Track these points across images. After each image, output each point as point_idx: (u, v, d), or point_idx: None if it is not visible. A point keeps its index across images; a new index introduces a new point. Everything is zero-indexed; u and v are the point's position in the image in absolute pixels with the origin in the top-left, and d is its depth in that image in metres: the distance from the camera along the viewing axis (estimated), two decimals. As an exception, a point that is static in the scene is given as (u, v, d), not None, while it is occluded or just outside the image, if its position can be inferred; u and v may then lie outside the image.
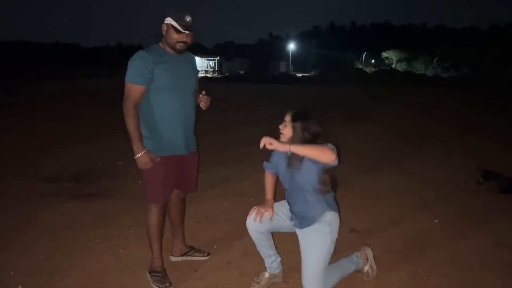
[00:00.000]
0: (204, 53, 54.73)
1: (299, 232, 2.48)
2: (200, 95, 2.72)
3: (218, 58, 55.35)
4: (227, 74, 41.97)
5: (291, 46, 62.59)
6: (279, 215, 2.58)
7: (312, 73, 49.51)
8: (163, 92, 2.48)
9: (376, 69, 49.96)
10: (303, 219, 2.45)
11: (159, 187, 2.62)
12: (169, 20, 2.42)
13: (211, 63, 54.55)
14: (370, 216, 3.84)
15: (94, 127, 8.16)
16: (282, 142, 2.30)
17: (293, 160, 2.38)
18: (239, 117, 9.59)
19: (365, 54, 66.35)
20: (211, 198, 4.24)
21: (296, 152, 2.27)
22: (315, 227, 2.41)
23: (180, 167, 2.69)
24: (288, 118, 2.42)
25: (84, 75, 27.98)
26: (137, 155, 2.46)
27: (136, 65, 2.41)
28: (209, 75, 43.33)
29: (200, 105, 2.73)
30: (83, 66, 41.74)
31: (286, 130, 2.40)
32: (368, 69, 50.80)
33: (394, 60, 61.72)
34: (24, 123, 8.30)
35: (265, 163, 2.70)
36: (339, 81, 29.14)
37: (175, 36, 2.44)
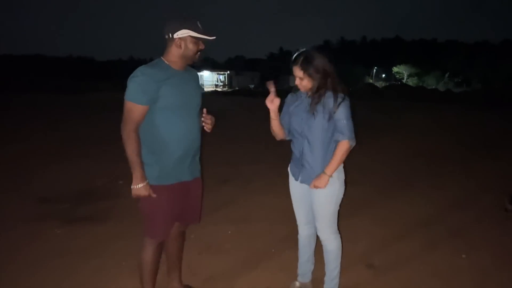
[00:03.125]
0: (214, 67, 54.95)
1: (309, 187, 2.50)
2: (203, 115, 2.44)
3: (228, 72, 55.48)
4: (237, 88, 41.95)
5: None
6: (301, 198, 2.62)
7: (323, 87, 49.10)
8: (170, 112, 2.21)
9: (387, 84, 49.58)
10: (312, 171, 2.45)
11: (159, 220, 2.33)
12: (185, 32, 2.17)
13: (221, 77, 54.66)
14: (389, 248, 3.48)
15: (97, 142, 7.89)
16: (323, 178, 2.40)
17: (314, 104, 2.37)
18: (248, 132, 9.31)
19: (376, 69, 66.04)
20: (215, 223, 3.92)
21: (333, 170, 2.39)
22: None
23: (183, 196, 2.39)
24: (298, 71, 2.33)
25: (95, 89, 28.06)
26: (137, 186, 2.17)
27: (139, 82, 2.12)
28: (219, 89, 43.35)
29: (205, 127, 2.45)
30: (96, 80, 42.02)
31: (305, 83, 2.35)
32: (379, 84, 50.40)
33: (405, 75, 61.27)
34: (25, 137, 8.11)
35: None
36: (350, 95, 28.77)
37: (195, 47, 2.22)
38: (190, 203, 2.46)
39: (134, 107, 2.14)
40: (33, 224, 3.87)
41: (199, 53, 2.26)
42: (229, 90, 41.94)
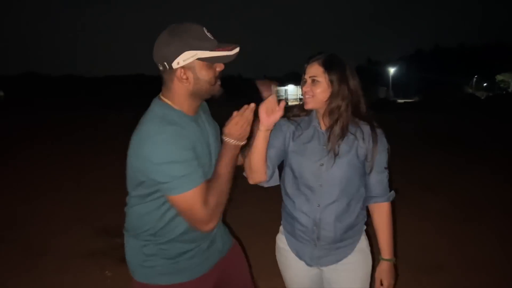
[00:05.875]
0: (298, 80, 54.66)
1: (327, 271, 1.68)
2: None
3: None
4: (322, 101, 41.05)
5: (392, 71, 59.65)
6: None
7: (416, 98, 46.46)
8: None
9: (490, 94, 45.09)
10: (335, 246, 1.63)
11: None
12: (191, 55, 1.32)
13: (306, 90, 54.13)
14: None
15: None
16: (390, 269, 1.65)
17: (337, 140, 1.57)
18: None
19: (476, 78, 60.68)
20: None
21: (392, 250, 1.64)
22: (355, 257, 1.66)
23: (224, 279, 1.62)
24: (317, 69, 1.55)
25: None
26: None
27: (183, 148, 1.31)
28: (302, 103, 42.86)
29: None
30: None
31: (318, 89, 1.56)
32: (480, 94, 46.07)
33: (511, 84, 55.39)
34: (105, 158, 8.15)
35: None
36: (447, 107, 26.44)
37: (210, 72, 1.38)
38: (236, 282, 1.68)
39: (198, 192, 1.31)
40: (85, 262, 3.53)
41: (220, 79, 1.42)
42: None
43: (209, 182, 1.35)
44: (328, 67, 1.54)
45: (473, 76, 60.41)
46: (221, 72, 1.42)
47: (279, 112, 1.50)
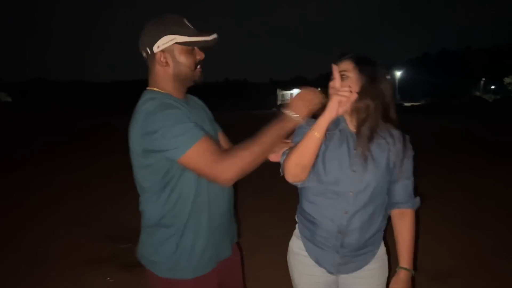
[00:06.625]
0: (305, 84, 54.75)
1: (345, 277, 1.63)
2: None
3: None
4: (329, 105, 41.10)
5: (398, 74, 59.49)
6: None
7: (423, 101, 46.28)
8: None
9: (498, 97, 44.77)
10: (357, 253, 1.58)
11: None
12: (170, 39, 1.39)
13: (313, 94, 54.18)
14: None
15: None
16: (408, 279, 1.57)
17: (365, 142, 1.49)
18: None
19: (484, 81, 60.29)
20: None
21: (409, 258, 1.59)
22: (374, 264, 1.62)
23: (224, 278, 1.62)
24: (348, 64, 1.48)
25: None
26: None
27: (177, 113, 1.34)
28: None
29: None
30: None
31: (346, 85, 1.39)
32: (488, 97, 45.75)
33: (520, 86, 54.97)
34: (114, 160, 8.16)
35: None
36: (455, 111, 26.29)
37: (190, 58, 1.43)
38: (233, 282, 1.70)
39: (202, 144, 1.32)
40: (87, 269, 3.48)
41: (199, 66, 1.47)
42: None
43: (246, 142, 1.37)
44: (359, 63, 1.48)
45: (480, 79, 60.02)
46: (202, 60, 1.47)
47: (348, 103, 1.34)
